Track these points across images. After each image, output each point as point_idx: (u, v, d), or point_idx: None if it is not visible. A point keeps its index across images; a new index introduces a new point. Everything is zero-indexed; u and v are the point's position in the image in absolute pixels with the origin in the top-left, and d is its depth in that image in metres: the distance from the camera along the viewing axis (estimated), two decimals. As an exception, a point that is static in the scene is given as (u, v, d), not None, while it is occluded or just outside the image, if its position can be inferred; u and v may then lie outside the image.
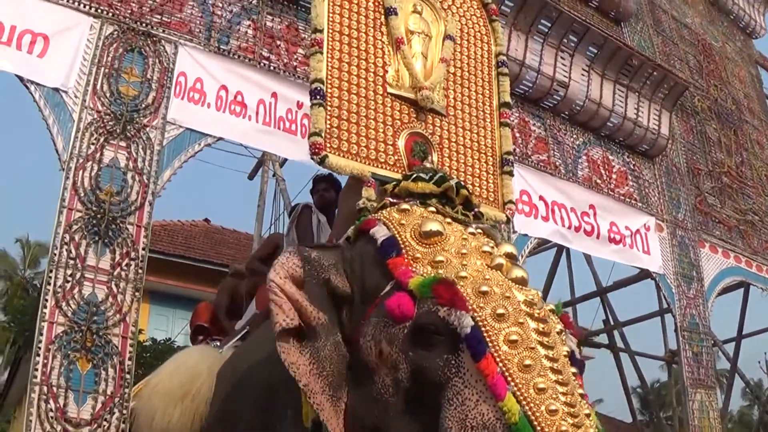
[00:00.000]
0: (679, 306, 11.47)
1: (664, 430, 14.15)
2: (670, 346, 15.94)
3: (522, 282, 3.85)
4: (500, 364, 3.55)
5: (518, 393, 3.50)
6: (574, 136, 11.30)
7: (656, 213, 11.89)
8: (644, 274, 12.48)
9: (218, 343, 6.69)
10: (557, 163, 10.79)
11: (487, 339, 3.59)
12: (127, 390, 5.92)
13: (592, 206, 10.95)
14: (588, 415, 3.64)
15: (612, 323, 15.58)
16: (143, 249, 6.56)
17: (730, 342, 16.54)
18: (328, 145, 4.45)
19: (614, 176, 11.58)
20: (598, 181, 11.26)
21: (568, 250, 15.48)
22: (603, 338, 16.52)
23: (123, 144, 6.74)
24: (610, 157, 11.67)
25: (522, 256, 9.32)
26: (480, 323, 3.60)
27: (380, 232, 4.03)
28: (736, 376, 16.64)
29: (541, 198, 10.28)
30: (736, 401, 49.06)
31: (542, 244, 13.00)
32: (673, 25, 14.55)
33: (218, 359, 5.73)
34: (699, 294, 11.87)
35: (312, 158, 4.51)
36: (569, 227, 10.61)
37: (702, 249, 12.39)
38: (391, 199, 4.28)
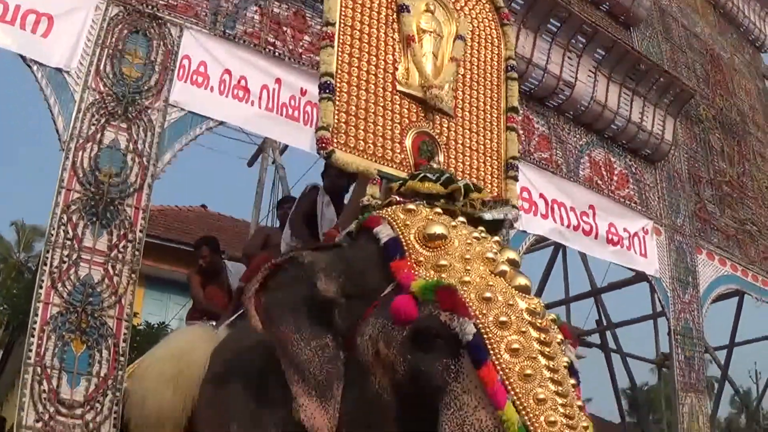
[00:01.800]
0: (673, 310, 11.46)
1: (652, 432, 14.19)
2: (661, 349, 16.00)
3: (525, 290, 3.83)
4: (501, 373, 3.53)
5: (518, 403, 3.48)
6: (578, 136, 11.26)
7: (655, 217, 11.86)
8: (639, 277, 12.47)
9: (214, 323, 6.69)
10: (559, 162, 10.76)
11: (489, 346, 3.57)
12: (120, 372, 5.89)
13: (591, 206, 10.92)
14: (586, 428, 3.63)
15: (605, 324, 15.56)
16: (141, 231, 6.52)
17: (722, 349, 16.55)
18: (335, 140, 4.43)
19: (615, 178, 11.56)
20: (599, 182, 11.23)
21: (564, 248, 15.48)
22: (595, 338, 16.53)
23: (124, 125, 6.69)
24: (612, 159, 11.64)
25: (519, 253, 9.30)
26: (482, 330, 3.58)
27: (384, 232, 4.01)
28: (725, 383, 16.67)
29: (541, 195, 10.25)
30: (724, 408, 49.31)
31: (539, 242, 12.98)
32: (682, 33, 14.47)
33: (212, 340, 5.71)
34: (694, 299, 11.86)
35: (318, 153, 4.48)
36: (568, 226, 10.58)
37: (699, 255, 12.37)
38: (397, 198, 4.26)
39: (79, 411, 5.62)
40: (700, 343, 11.86)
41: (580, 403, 3.70)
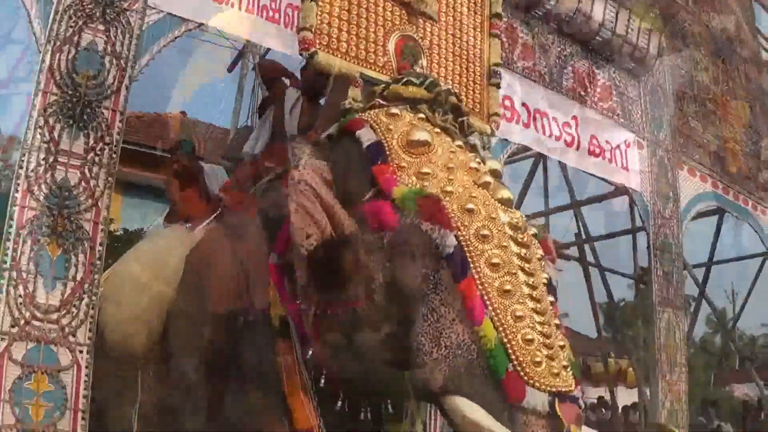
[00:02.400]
0: (653, 225, 11.48)
1: (628, 347, 14.26)
2: (640, 264, 16.07)
3: (507, 203, 3.79)
4: (480, 287, 3.50)
5: (495, 319, 3.46)
6: (562, 46, 11.08)
7: (638, 130, 11.79)
8: (620, 191, 12.46)
9: (189, 225, 6.64)
10: (542, 72, 10.61)
11: (469, 260, 3.54)
12: (97, 276, 5.83)
13: (574, 117, 10.85)
14: (562, 347, 3.63)
15: (584, 237, 15.52)
16: (118, 134, 6.40)
17: (700, 267, 16.61)
18: (318, 41, 4.34)
19: (599, 90, 11.45)
20: (582, 93, 11.12)
21: (545, 160, 15.42)
22: (574, 252, 16.57)
23: (101, 28, 6.52)
24: (596, 71, 11.51)
25: (501, 163, 9.25)
26: (463, 243, 3.55)
27: (366, 136, 3.94)
28: (702, 302, 16.77)
29: (523, 104, 10.14)
30: (699, 328, 49.99)
31: (520, 152, 12.93)
32: (670, -53, 14.24)
33: (188, 242, 5.69)
34: (674, 215, 11.87)
35: (300, 54, 4.40)
36: (550, 136, 10.51)
37: (680, 171, 12.33)
38: (380, 101, 4.19)
39: (55, 315, 5.56)
40: (679, 258, 11.90)
41: (557, 321, 3.70)
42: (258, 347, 4.68)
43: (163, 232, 6.86)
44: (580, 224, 15.31)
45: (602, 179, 12.12)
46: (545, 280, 3.73)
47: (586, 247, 15.27)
